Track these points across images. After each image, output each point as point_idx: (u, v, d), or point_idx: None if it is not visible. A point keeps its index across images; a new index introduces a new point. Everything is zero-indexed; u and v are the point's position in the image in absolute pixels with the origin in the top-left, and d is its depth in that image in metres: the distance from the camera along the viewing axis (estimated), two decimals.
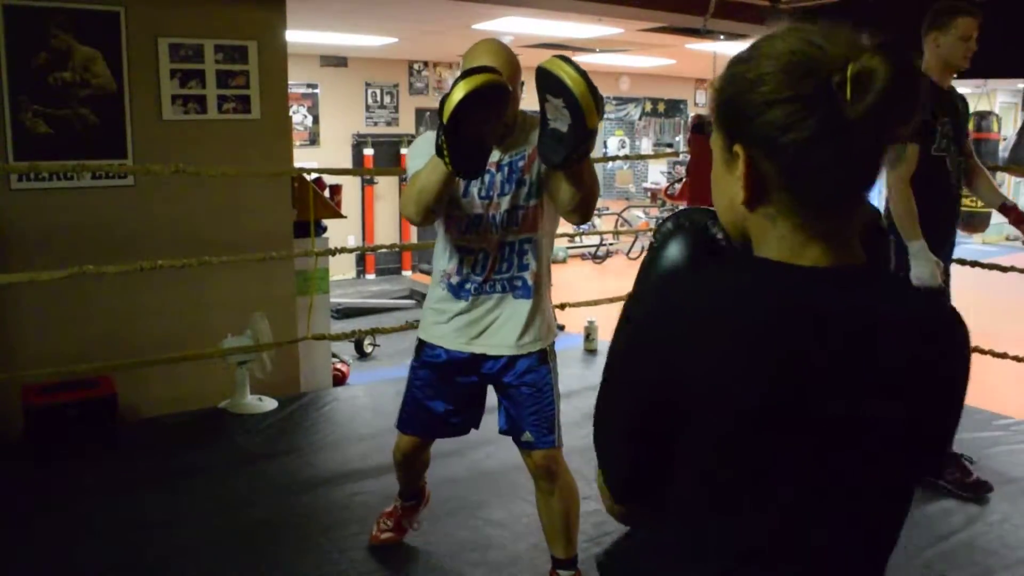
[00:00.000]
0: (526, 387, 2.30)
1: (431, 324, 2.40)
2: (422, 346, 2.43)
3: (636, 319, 0.93)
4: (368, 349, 6.78)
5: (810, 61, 0.83)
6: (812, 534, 0.89)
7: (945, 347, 0.91)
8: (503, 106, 1.99)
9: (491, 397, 2.47)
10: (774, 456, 0.86)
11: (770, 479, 0.87)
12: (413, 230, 8.55)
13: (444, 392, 2.41)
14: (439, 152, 1.99)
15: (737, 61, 0.89)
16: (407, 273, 9.97)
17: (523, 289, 2.30)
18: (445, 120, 1.91)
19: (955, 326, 0.92)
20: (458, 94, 1.89)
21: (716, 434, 0.86)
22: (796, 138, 0.83)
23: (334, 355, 5.11)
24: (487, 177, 2.22)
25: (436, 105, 2.19)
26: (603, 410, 0.99)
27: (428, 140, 2.19)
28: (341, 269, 9.47)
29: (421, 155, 2.20)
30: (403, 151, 8.97)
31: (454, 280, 2.32)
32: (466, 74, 1.91)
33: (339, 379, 5.09)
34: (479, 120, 1.95)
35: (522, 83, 2.24)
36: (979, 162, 3.17)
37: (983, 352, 4.21)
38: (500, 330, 2.31)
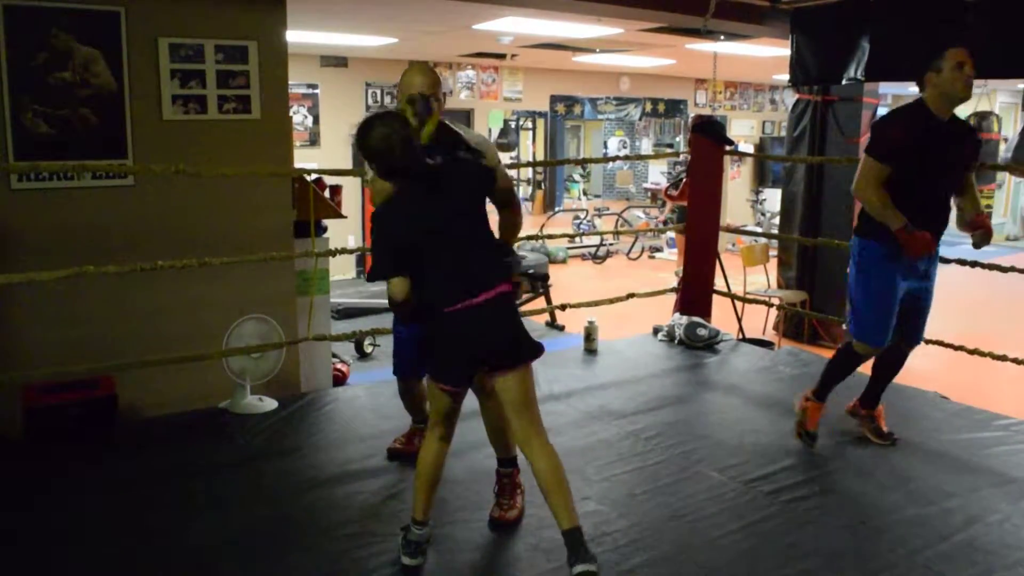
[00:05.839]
0: None
1: None
2: None
3: (377, 213, 2.56)
4: (368, 349, 6.79)
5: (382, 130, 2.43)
6: (463, 267, 2.47)
7: (478, 170, 2.63)
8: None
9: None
10: (429, 246, 2.48)
11: (435, 253, 2.48)
12: None
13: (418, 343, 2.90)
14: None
15: (365, 130, 2.43)
16: None
17: None
18: None
19: (484, 167, 2.68)
20: None
21: (409, 246, 2.47)
22: (380, 157, 2.44)
23: (334, 355, 5.11)
24: None
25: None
26: (375, 247, 2.57)
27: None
28: (341, 269, 9.47)
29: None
30: None
31: None
32: None
33: (339, 379, 5.09)
34: None
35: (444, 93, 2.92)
36: (973, 182, 3.48)
37: (983, 354, 4.20)
38: None
